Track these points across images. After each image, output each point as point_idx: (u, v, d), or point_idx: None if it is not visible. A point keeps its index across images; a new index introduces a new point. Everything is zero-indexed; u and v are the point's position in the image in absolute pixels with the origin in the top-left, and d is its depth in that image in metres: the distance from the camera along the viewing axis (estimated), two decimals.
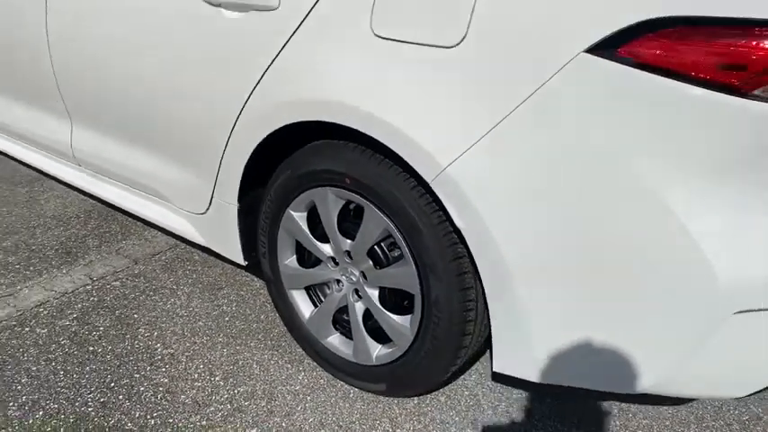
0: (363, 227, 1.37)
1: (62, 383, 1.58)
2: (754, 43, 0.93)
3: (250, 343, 1.75)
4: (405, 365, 1.43)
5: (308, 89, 1.30)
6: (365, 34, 1.21)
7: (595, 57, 1.00)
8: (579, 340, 1.18)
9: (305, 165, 1.41)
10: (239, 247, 1.68)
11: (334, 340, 1.58)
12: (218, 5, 1.41)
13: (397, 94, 1.19)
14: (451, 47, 1.11)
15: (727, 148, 0.99)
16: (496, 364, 1.28)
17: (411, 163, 1.19)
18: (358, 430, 1.46)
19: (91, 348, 1.72)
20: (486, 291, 1.22)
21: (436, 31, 1.12)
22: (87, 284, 2.01)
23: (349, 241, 1.43)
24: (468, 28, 1.09)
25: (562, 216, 1.09)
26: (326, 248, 1.49)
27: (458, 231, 1.21)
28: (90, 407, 1.51)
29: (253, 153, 1.47)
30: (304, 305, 1.62)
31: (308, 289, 1.63)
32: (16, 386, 1.57)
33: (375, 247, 1.39)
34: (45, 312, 1.87)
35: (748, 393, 1.16)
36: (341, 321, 1.59)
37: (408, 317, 1.39)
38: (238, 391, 1.57)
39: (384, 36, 1.19)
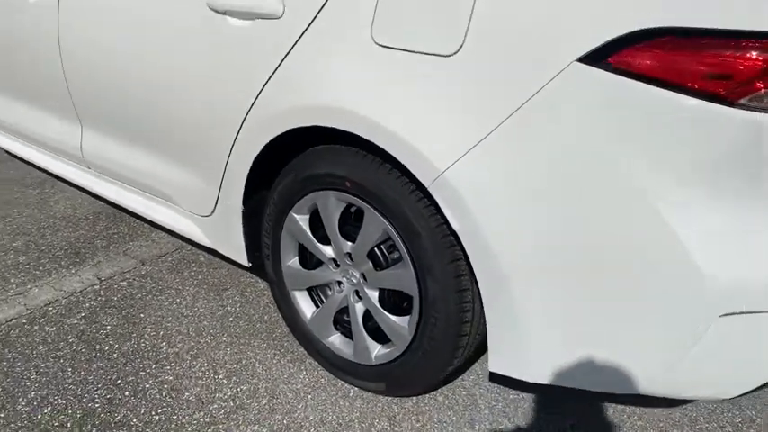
0: (363, 229, 1.41)
1: (70, 380, 1.63)
2: (740, 54, 0.97)
3: (253, 342, 1.79)
4: (403, 365, 1.46)
5: (310, 95, 1.34)
6: (366, 43, 1.25)
7: (587, 66, 1.03)
8: (572, 342, 1.21)
9: (307, 168, 1.45)
10: (243, 248, 1.72)
11: (335, 340, 1.62)
12: (224, 13, 1.45)
13: (396, 100, 1.22)
14: (449, 56, 1.15)
15: (715, 154, 1.02)
16: (492, 364, 1.31)
17: (409, 167, 1.22)
18: (357, 428, 1.49)
19: (98, 346, 1.76)
20: (481, 292, 1.25)
21: (434, 40, 1.16)
22: (95, 284, 2.06)
23: (350, 243, 1.47)
24: (464, 38, 1.13)
25: (555, 219, 1.12)
26: (328, 250, 1.53)
27: (455, 234, 1.24)
28: (97, 403, 1.55)
29: (257, 157, 1.51)
30: (306, 306, 1.66)
31: (309, 290, 1.67)
32: (25, 382, 1.61)
33: (375, 249, 1.43)
34: (54, 311, 1.91)
35: (738, 394, 1.18)
36: (341, 322, 1.63)
37: (407, 317, 1.43)
38: (241, 389, 1.61)
39: (384, 45, 1.22)
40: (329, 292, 1.60)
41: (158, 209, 1.96)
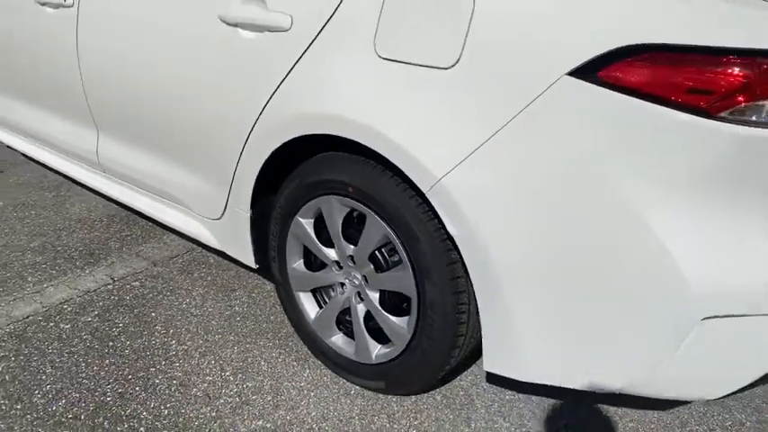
0: (365, 233, 1.47)
1: (83, 374, 1.70)
2: (721, 69, 1.02)
3: (259, 342, 1.85)
4: (402, 364, 1.52)
5: (315, 105, 1.40)
6: (369, 55, 1.31)
7: (577, 79, 1.09)
8: (563, 342, 1.26)
9: (312, 174, 1.52)
10: (251, 250, 1.78)
11: (338, 340, 1.68)
12: (236, 26, 1.52)
13: (397, 110, 1.28)
14: (447, 68, 1.21)
15: (698, 163, 1.06)
16: (487, 364, 1.37)
17: (409, 174, 1.28)
18: (357, 424, 1.55)
19: (110, 343, 1.83)
20: (476, 294, 1.31)
21: (433, 53, 1.22)
22: (109, 284, 2.14)
23: (352, 246, 1.53)
24: (461, 51, 1.19)
25: (547, 224, 1.18)
26: (331, 253, 1.59)
27: (451, 238, 1.30)
28: (108, 396, 1.62)
29: (265, 163, 1.58)
30: (310, 306, 1.72)
31: (314, 291, 1.73)
32: (41, 376, 1.69)
33: (376, 252, 1.49)
34: (69, 309, 1.99)
35: (722, 395, 1.23)
36: (344, 322, 1.69)
37: (406, 318, 1.49)
38: (247, 386, 1.67)
39: (386, 57, 1.29)
40: (332, 294, 1.67)
41: (170, 212, 2.03)
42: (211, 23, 1.57)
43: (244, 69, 1.54)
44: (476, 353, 1.51)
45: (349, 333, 1.67)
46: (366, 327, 1.59)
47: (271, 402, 1.62)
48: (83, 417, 1.55)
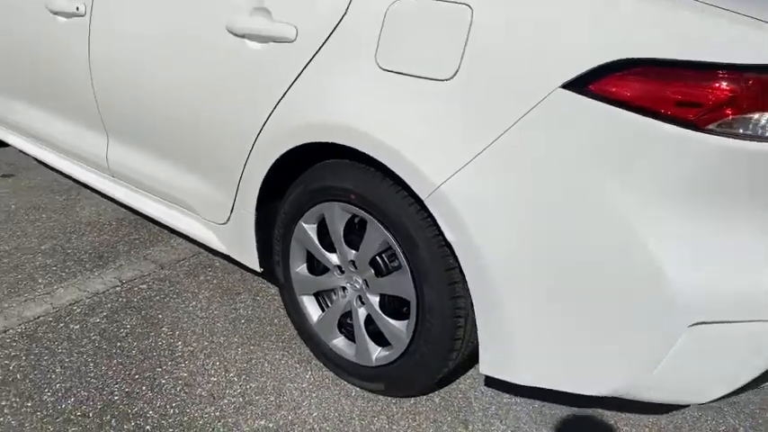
0: (366, 239, 1.51)
1: (92, 374, 1.74)
2: (708, 84, 1.06)
3: (263, 344, 1.89)
4: (401, 367, 1.56)
5: (318, 114, 1.45)
6: (370, 66, 1.36)
7: (570, 92, 1.13)
8: (557, 347, 1.29)
9: (315, 181, 1.56)
10: (256, 254, 1.83)
11: (339, 342, 1.72)
12: (243, 37, 1.57)
13: (397, 119, 1.33)
14: (445, 80, 1.25)
15: (687, 174, 1.10)
16: (483, 367, 1.40)
17: (408, 182, 1.32)
18: (357, 425, 1.59)
19: (118, 344, 1.88)
20: (473, 299, 1.34)
21: (432, 65, 1.27)
22: (117, 286, 2.19)
23: (354, 252, 1.57)
24: (459, 64, 1.23)
25: (541, 231, 1.22)
26: (333, 258, 1.63)
27: (449, 245, 1.34)
28: (116, 395, 1.67)
29: (270, 169, 1.62)
30: (313, 310, 1.76)
31: (316, 295, 1.77)
32: (51, 375, 1.73)
33: (376, 257, 1.53)
34: (78, 310, 2.04)
35: (711, 399, 1.26)
36: (345, 325, 1.73)
37: (405, 322, 1.52)
38: (250, 387, 1.71)
39: (387, 69, 1.33)
40: (334, 297, 1.71)
41: (177, 216, 2.08)
42: (220, 34, 1.62)
43: (250, 79, 1.59)
44: (474, 357, 1.54)
45: (350, 336, 1.71)
46: (366, 330, 1.63)
47: (273, 403, 1.66)
48: (91, 415, 1.60)
